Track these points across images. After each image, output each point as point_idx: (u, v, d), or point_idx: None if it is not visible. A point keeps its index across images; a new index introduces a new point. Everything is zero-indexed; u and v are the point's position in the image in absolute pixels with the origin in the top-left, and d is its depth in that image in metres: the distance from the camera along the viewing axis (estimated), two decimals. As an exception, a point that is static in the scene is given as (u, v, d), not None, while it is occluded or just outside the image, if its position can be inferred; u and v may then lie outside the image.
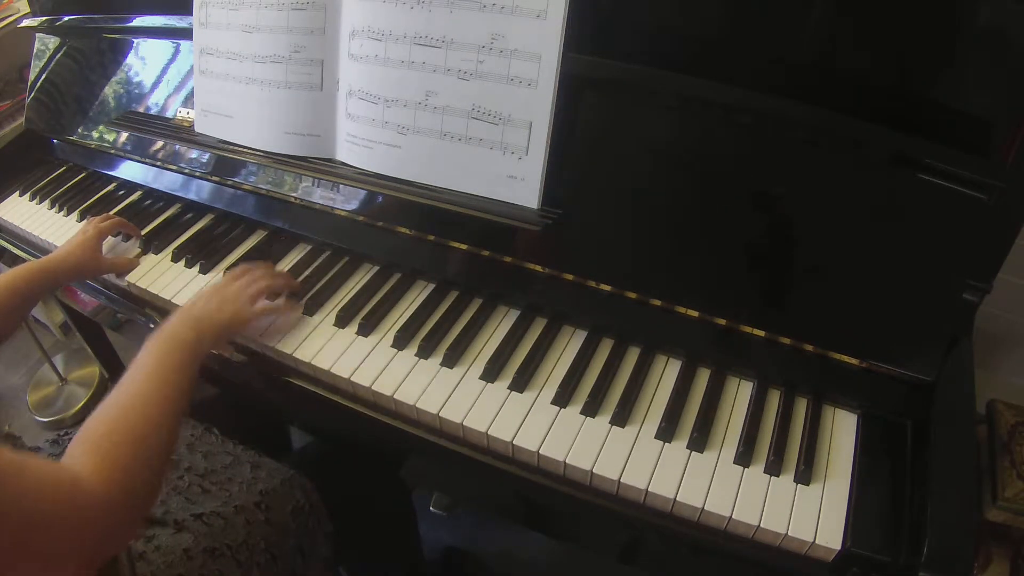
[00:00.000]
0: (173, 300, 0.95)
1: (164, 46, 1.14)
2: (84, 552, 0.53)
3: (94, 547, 0.55)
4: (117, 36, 1.19)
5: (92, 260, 0.99)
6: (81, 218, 1.15)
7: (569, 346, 0.84)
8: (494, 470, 0.76)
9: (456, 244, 0.89)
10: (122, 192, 1.21)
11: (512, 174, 0.83)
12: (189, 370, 0.74)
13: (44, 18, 1.27)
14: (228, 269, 0.98)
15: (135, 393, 0.67)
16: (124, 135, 1.17)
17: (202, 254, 1.01)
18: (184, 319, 0.80)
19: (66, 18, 1.24)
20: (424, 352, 0.83)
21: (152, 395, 0.67)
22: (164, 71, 1.15)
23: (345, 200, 0.94)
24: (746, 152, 0.77)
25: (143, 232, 1.08)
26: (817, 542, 0.65)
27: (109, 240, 1.07)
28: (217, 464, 0.88)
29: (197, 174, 1.09)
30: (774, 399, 0.78)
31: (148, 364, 0.72)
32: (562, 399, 0.77)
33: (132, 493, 0.57)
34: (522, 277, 0.86)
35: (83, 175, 1.27)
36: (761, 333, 0.77)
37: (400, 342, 0.84)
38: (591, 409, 0.76)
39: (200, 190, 1.10)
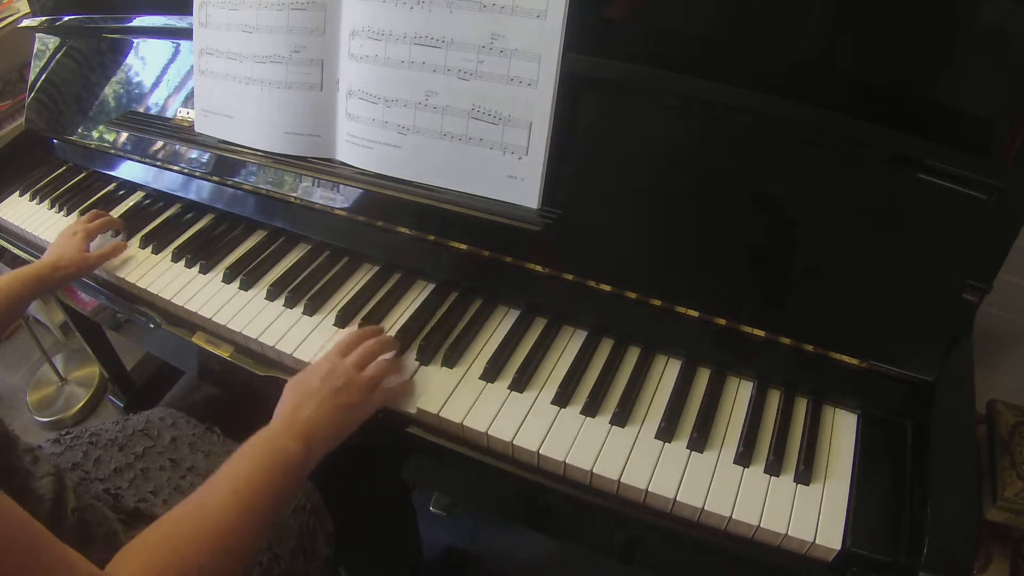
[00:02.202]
0: (173, 300, 0.95)
1: (164, 46, 1.14)
2: None
3: None
4: (117, 36, 1.19)
5: (81, 260, 0.99)
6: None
7: (569, 346, 0.84)
8: (494, 470, 0.76)
9: (456, 244, 0.89)
10: (122, 192, 1.21)
11: (512, 174, 0.83)
12: (287, 488, 0.63)
13: (44, 18, 1.27)
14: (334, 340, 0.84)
15: (208, 509, 0.58)
16: (124, 135, 1.17)
17: (202, 254, 1.01)
18: (291, 423, 0.67)
19: (66, 18, 1.24)
20: (424, 352, 0.83)
21: (229, 513, 0.58)
22: (164, 71, 1.15)
23: (345, 200, 0.94)
24: (746, 152, 0.77)
25: (143, 232, 1.08)
26: (817, 542, 0.65)
27: (102, 238, 1.07)
28: (219, 464, 0.87)
29: (197, 174, 1.09)
30: (774, 399, 0.78)
31: (235, 476, 0.61)
32: (562, 399, 0.77)
33: None
34: (522, 277, 0.86)
35: (83, 175, 1.27)
36: (761, 333, 0.77)
37: (400, 343, 0.84)
38: (591, 409, 0.76)
39: (200, 190, 1.10)
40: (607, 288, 0.82)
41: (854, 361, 0.74)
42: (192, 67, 1.04)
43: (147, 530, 0.55)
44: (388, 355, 0.80)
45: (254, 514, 0.59)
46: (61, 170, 1.29)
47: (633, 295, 0.81)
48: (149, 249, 1.05)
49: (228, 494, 0.59)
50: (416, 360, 0.83)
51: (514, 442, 0.74)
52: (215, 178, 1.07)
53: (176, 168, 1.10)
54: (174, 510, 0.58)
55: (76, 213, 1.17)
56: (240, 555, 0.58)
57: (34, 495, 0.64)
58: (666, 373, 0.81)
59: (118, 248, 1.03)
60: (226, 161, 1.04)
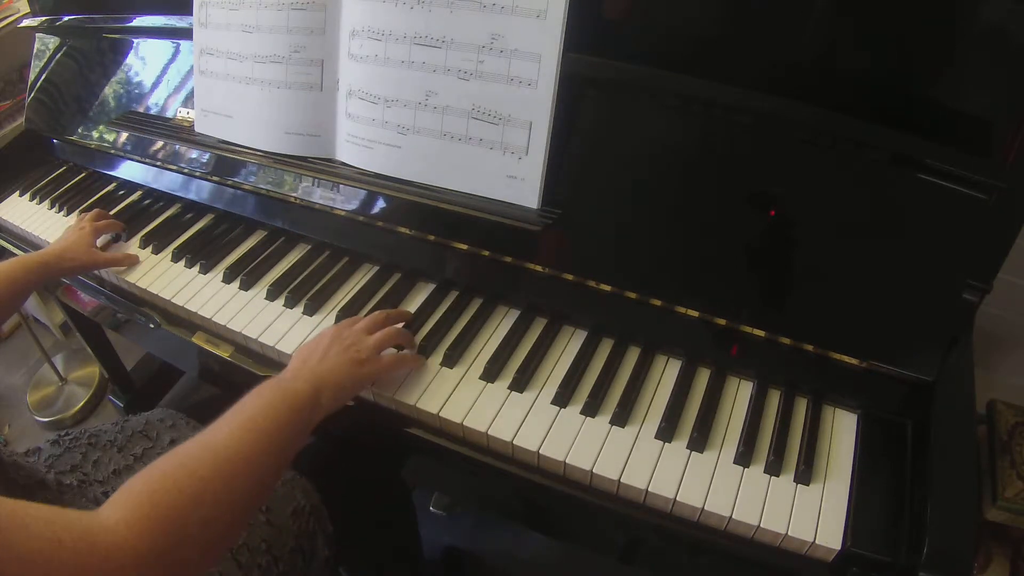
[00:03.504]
0: (173, 300, 0.95)
1: (164, 46, 1.14)
2: None
3: None
4: (117, 36, 1.19)
5: (87, 256, 1.00)
6: (81, 218, 1.15)
7: (569, 346, 0.84)
8: (494, 470, 0.76)
9: (456, 244, 0.89)
10: (122, 192, 1.21)
11: (512, 174, 0.83)
12: (297, 431, 0.61)
13: (44, 18, 1.27)
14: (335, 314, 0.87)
15: (218, 443, 0.55)
16: (124, 135, 1.17)
17: (202, 254, 1.01)
18: (300, 370, 0.68)
19: (66, 18, 1.24)
20: (424, 352, 0.83)
21: (240, 449, 0.54)
22: (164, 71, 1.15)
23: (345, 200, 0.94)
24: (746, 152, 0.77)
25: (143, 232, 1.09)
26: (817, 542, 0.65)
27: (105, 239, 1.07)
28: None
29: (197, 174, 1.09)
30: (774, 399, 0.78)
31: (247, 413, 0.59)
32: (562, 399, 0.77)
33: (170, 556, 0.46)
34: (522, 277, 0.86)
35: (83, 175, 1.27)
36: (761, 333, 0.77)
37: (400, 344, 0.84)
38: (591, 409, 0.76)
39: (200, 190, 1.10)
40: (607, 288, 0.82)
41: (854, 361, 0.74)
42: (192, 67, 1.04)
43: (143, 473, 0.50)
44: (399, 327, 0.81)
45: (264, 447, 0.56)
46: (61, 170, 1.30)
47: (633, 295, 0.81)
48: (149, 249, 1.05)
49: (237, 427, 0.56)
50: (416, 360, 0.83)
51: (514, 442, 0.74)
52: (215, 178, 1.07)
53: (176, 168, 1.10)
54: (174, 449, 0.53)
55: (76, 213, 1.17)
56: (247, 491, 0.54)
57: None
58: (666, 373, 0.81)
59: (130, 258, 1.03)
60: (226, 161, 1.04)
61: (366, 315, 0.84)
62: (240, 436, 0.56)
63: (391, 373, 0.78)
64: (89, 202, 1.19)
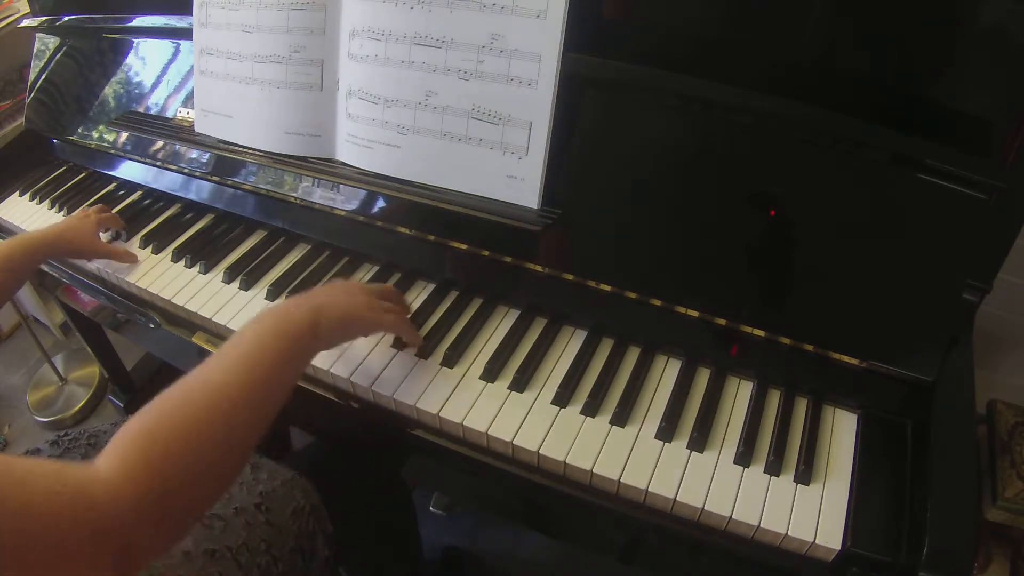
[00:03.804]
0: (173, 300, 0.95)
1: (164, 46, 1.14)
2: (101, 559, 0.43)
3: (113, 555, 0.43)
4: (117, 36, 1.19)
5: (89, 239, 1.00)
6: (81, 218, 1.15)
7: (569, 346, 0.84)
8: (494, 470, 0.76)
9: (456, 244, 0.89)
10: (122, 192, 1.21)
11: (512, 174, 0.83)
12: (297, 362, 0.60)
13: (44, 18, 1.27)
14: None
15: (215, 377, 0.52)
16: (124, 135, 1.17)
17: (202, 254, 1.01)
18: (302, 301, 0.65)
19: (66, 18, 1.24)
20: (424, 352, 0.83)
21: (239, 382, 0.52)
22: (164, 71, 1.15)
23: (345, 200, 0.94)
24: (746, 152, 0.77)
25: (143, 232, 1.09)
26: (817, 542, 0.65)
27: (105, 237, 1.08)
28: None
29: (197, 174, 1.09)
30: (774, 399, 0.78)
31: (245, 343, 0.56)
32: (562, 399, 0.77)
33: (163, 497, 0.45)
34: (522, 277, 0.86)
35: (83, 175, 1.27)
36: (761, 333, 0.77)
37: (400, 342, 0.84)
38: (591, 409, 0.76)
39: (200, 190, 1.10)
40: (607, 288, 0.82)
41: (854, 361, 0.74)
42: (192, 67, 1.04)
43: (135, 417, 0.49)
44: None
45: (262, 379, 0.54)
46: (61, 170, 1.30)
47: (633, 295, 0.81)
48: (149, 249, 1.05)
49: (233, 360, 0.54)
50: (416, 358, 0.83)
51: (514, 442, 0.74)
52: (215, 178, 1.07)
53: (176, 168, 1.10)
54: (168, 389, 0.51)
55: (79, 211, 1.17)
56: (245, 425, 0.52)
57: None
58: (666, 373, 0.81)
59: (130, 255, 1.03)
60: (226, 161, 1.04)
61: None
62: (238, 368, 0.54)
63: (389, 329, 0.76)
64: (89, 202, 1.19)
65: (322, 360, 0.82)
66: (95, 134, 1.21)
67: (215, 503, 0.54)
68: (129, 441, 0.46)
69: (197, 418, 0.49)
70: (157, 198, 1.17)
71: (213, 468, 0.49)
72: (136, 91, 1.17)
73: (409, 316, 0.87)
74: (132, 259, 1.03)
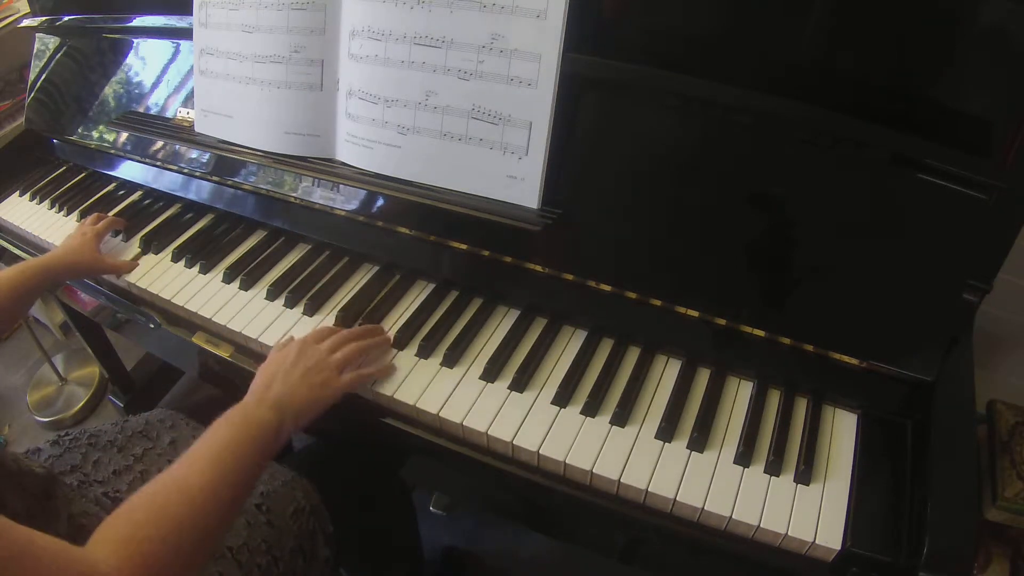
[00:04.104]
0: (173, 300, 0.95)
1: (164, 46, 1.14)
2: None
3: None
4: (117, 36, 1.19)
5: (91, 259, 1.01)
6: (81, 218, 1.15)
7: (569, 346, 0.84)
8: (494, 470, 0.76)
9: (456, 244, 0.89)
10: (122, 192, 1.21)
11: (512, 174, 0.83)
12: (262, 459, 0.65)
13: (44, 18, 1.27)
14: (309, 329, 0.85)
15: (187, 480, 0.58)
16: (124, 135, 1.17)
17: (202, 254, 1.01)
18: (262, 398, 0.70)
19: (66, 18, 1.24)
20: (424, 352, 0.83)
21: (208, 484, 0.58)
22: (164, 71, 1.15)
23: (345, 200, 0.94)
24: (746, 152, 0.77)
25: (143, 232, 1.09)
26: (817, 542, 0.65)
27: (107, 239, 1.07)
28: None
29: (197, 174, 1.09)
30: (774, 399, 0.78)
31: (212, 448, 0.61)
32: (562, 399, 0.77)
33: None
34: (522, 277, 0.86)
35: (83, 175, 1.27)
36: (761, 333, 0.77)
37: (400, 342, 0.84)
38: (591, 409, 0.76)
39: (200, 190, 1.10)
40: (607, 288, 0.82)
41: (854, 361, 0.74)
42: (192, 67, 1.04)
43: (124, 504, 0.54)
44: (365, 343, 0.81)
45: (232, 482, 0.60)
46: (61, 170, 1.30)
47: (633, 295, 0.81)
48: (149, 249, 1.05)
49: (207, 464, 0.60)
50: (416, 358, 0.83)
51: (514, 442, 0.74)
52: (215, 178, 1.07)
53: (176, 168, 1.10)
54: (150, 484, 0.57)
55: (76, 213, 1.17)
56: (218, 524, 0.58)
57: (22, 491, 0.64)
58: (666, 373, 0.81)
59: (131, 266, 1.03)
60: (226, 161, 1.04)
61: (357, 324, 0.85)
62: (211, 476, 0.59)
63: (351, 390, 0.78)
64: (89, 202, 1.19)
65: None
66: (95, 134, 1.21)
67: None
68: (123, 545, 0.51)
69: (180, 527, 0.54)
70: (157, 198, 1.17)
71: (196, 554, 0.56)
72: (136, 91, 1.17)
73: (405, 320, 0.87)
74: (133, 266, 1.03)
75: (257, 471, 0.65)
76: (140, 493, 0.56)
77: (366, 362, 0.81)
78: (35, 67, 1.30)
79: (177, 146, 1.09)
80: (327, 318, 0.89)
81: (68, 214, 1.18)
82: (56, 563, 0.46)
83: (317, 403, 0.73)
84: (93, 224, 1.05)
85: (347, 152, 0.93)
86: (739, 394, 0.79)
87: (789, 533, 0.66)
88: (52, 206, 1.21)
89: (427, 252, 0.91)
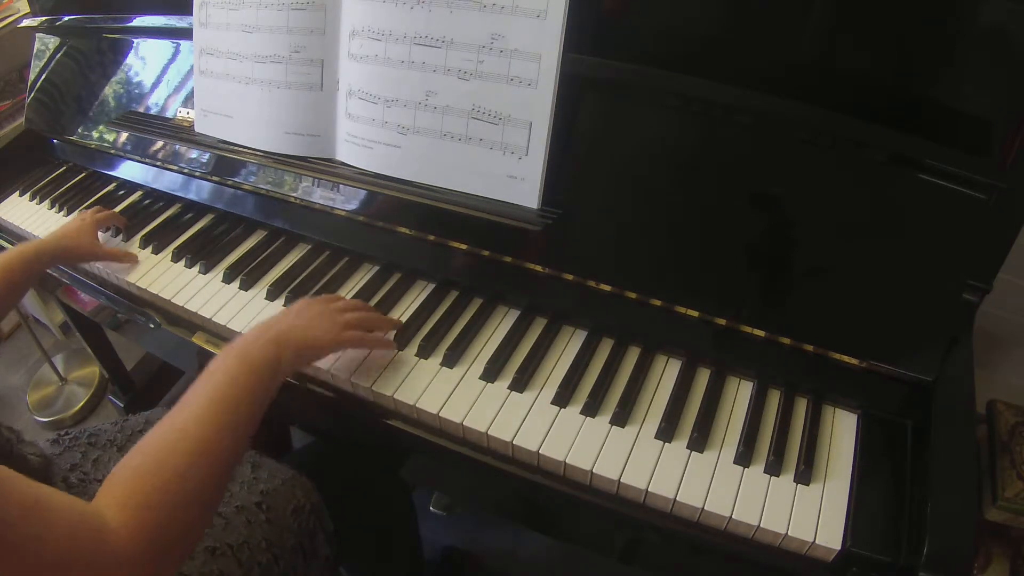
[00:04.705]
0: (173, 300, 0.95)
1: (164, 46, 1.14)
2: None
3: None
4: (117, 36, 1.19)
5: (89, 244, 1.00)
6: (81, 218, 1.15)
7: (569, 346, 0.84)
8: (494, 470, 0.76)
9: (456, 244, 0.89)
10: (122, 192, 1.21)
11: (512, 174, 0.83)
12: (261, 396, 0.64)
13: (44, 18, 1.27)
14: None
15: (186, 427, 0.57)
16: (124, 135, 1.17)
17: (202, 254, 1.01)
18: (261, 334, 0.69)
19: (66, 18, 1.24)
20: (424, 352, 0.83)
21: (208, 428, 0.57)
22: (164, 71, 1.15)
23: (345, 200, 0.94)
24: (746, 152, 0.77)
25: (143, 232, 1.09)
26: (817, 542, 0.65)
27: (104, 237, 1.07)
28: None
29: (197, 174, 1.09)
30: (774, 399, 0.78)
31: (210, 389, 0.61)
32: (562, 399, 0.77)
33: (164, 547, 0.51)
34: (522, 277, 0.86)
35: (83, 175, 1.27)
36: (761, 333, 0.77)
37: (400, 342, 0.84)
38: (591, 409, 0.76)
39: (200, 190, 1.10)
40: (607, 288, 0.82)
41: (854, 361, 0.74)
42: (192, 67, 1.04)
43: (128, 455, 0.54)
44: (375, 314, 0.82)
45: (232, 420, 0.59)
46: (61, 170, 1.30)
47: (633, 295, 0.81)
48: (149, 249, 1.05)
49: (204, 406, 0.59)
50: (416, 358, 0.83)
51: (514, 442, 0.74)
52: (215, 178, 1.07)
53: (176, 168, 1.10)
54: (151, 432, 0.56)
55: (76, 213, 1.17)
56: (220, 465, 0.58)
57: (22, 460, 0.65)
58: (666, 373, 0.81)
59: (130, 256, 1.03)
60: (226, 161, 1.04)
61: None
62: (211, 419, 0.58)
63: (349, 346, 0.78)
64: (89, 202, 1.19)
65: (322, 360, 0.82)
66: (95, 134, 1.21)
67: (203, 530, 0.60)
68: (128, 491, 0.51)
69: (183, 476, 0.54)
70: (157, 198, 1.17)
71: (197, 518, 0.55)
72: (136, 91, 1.17)
73: (405, 320, 0.87)
74: (132, 259, 1.03)
75: (257, 409, 0.63)
76: (143, 441, 0.55)
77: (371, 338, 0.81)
78: (35, 67, 1.30)
79: (177, 146, 1.09)
80: (327, 318, 0.89)
81: (68, 214, 1.18)
82: (65, 517, 0.46)
83: (316, 343, 0.73)
84: (94, 214, 1.05)
85: (347, 152, 0.93)
86: (739, 394, 0.79)
87: (789, 533, 0.66)
88: (52, 206, 1.21)
89: (427, 252, 0.91)
